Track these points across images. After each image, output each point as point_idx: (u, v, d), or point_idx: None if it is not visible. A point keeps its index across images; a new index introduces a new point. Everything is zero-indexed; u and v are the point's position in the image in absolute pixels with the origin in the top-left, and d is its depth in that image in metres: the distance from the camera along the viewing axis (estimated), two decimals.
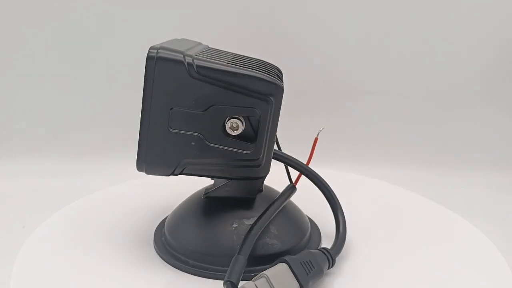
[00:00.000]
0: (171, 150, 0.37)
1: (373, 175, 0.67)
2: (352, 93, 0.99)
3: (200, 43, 0.43)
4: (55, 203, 0.75)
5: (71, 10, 0.97)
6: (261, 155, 0.38)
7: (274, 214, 0.40)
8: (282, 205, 0.42)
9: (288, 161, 0.44)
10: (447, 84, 1.02)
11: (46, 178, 0.90)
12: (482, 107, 1.02)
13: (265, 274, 0.34)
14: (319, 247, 0.41)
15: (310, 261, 0.37)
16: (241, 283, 0.34)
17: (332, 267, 0.39)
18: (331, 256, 0.39)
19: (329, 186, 0.44)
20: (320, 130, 0.40)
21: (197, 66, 0.35)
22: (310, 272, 0.36)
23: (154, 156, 0.37)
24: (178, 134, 0.37)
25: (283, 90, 0.37)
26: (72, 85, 1.00)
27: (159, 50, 0.35)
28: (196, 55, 0.36)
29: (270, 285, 0.34)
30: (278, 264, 0.36)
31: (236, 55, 0.42)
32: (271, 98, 0.36)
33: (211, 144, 0.37)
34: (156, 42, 0.38)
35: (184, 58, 0.35)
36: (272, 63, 0.43)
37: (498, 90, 1.02)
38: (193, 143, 0.37)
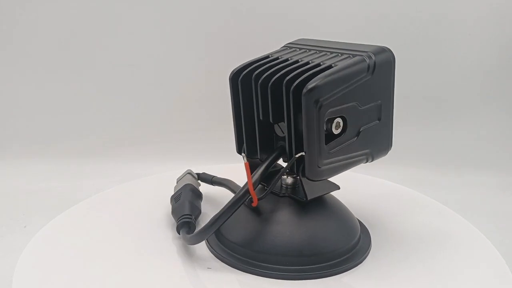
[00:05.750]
0: None
1: (372, 174, 0.67)
2: None
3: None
4: (56, 203, 0.76)
5: (70, 11, 0.98)
6: None
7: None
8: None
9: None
10: (447, 84, 1.02)
11: (46, 178, 0.90)
12: (482, 107, 1.02)
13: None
14: (184, 215, 0.46)
15: (182, 201, 0.48)
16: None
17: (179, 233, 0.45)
18: (183, 222, 0.45)
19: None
20: (243, 156, 0.41)
21: None
22: (175, 199, 0.50)
23: None
24: None
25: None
26: (72, 85, 1.00)
27: None
28: None
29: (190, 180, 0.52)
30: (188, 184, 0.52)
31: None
32: None
33: None
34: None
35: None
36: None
37: (498, 89, 1.02)
38: None
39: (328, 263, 0.41)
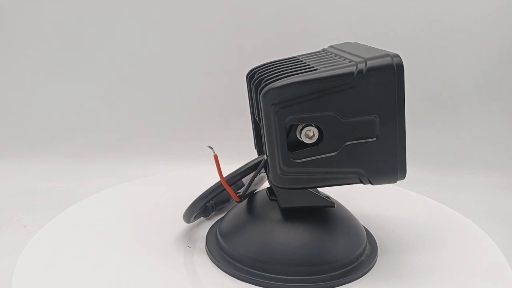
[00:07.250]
0: None
1: None
2: None
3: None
4: (56, 203, 0.76)
5: (71, 11, 0.98)
6: None
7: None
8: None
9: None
10: (447, 84, 1.02)
11: (46, 178, 0.90)
12: (483, 107, 1.02)
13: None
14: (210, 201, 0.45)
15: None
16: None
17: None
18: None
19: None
20: (211, 148, 0.41)
21: None
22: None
23: None
24: None
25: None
26: (72, 85, 1.00)
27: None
28: None
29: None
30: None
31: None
32: None
33: None
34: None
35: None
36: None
37: (499, 89, 1.02)
38: None
39: (331, 274, 0.40)
